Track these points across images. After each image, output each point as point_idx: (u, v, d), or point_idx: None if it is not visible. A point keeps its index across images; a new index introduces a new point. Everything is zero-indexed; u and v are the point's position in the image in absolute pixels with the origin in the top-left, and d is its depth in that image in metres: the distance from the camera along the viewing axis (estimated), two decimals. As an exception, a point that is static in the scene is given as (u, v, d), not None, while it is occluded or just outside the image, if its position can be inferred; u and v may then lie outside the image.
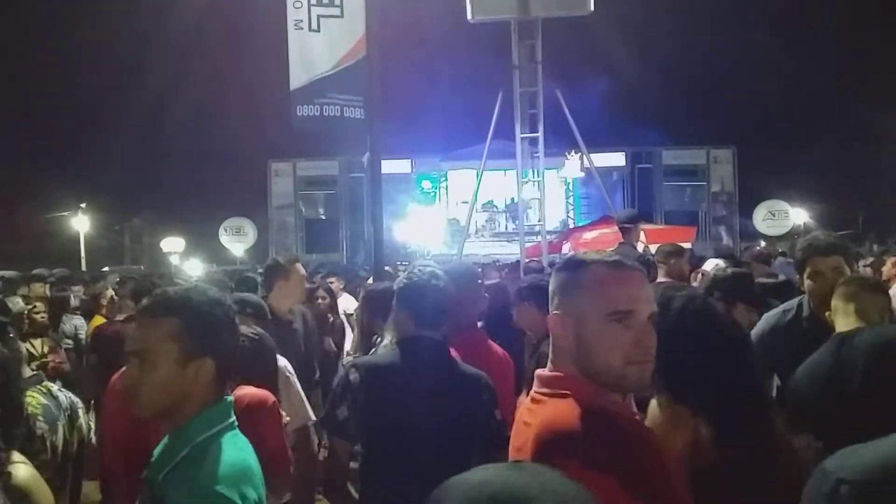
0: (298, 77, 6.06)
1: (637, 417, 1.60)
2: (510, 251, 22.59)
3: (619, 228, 6.58)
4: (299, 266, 4.64)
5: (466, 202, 27.39)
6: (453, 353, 2.98)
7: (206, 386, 1.72)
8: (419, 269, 2.98)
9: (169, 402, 1.69)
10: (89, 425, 2.72)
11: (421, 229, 29.85)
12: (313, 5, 6.01)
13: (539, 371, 1.62)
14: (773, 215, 27.75)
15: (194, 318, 1.71)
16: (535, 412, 1.55)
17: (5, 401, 2.09)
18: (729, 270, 3.69)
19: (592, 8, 13.23)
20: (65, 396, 2.78)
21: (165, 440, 1.74)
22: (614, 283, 1.53)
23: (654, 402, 1.87)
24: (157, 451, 1.75)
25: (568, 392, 1.51)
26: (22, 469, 2.03)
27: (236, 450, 1.71)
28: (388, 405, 2.75)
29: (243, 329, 2.68)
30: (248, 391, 2.76)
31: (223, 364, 1.76)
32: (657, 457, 1.48)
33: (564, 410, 1.47)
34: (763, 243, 24.00)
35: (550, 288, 1.63)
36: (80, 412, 2.79)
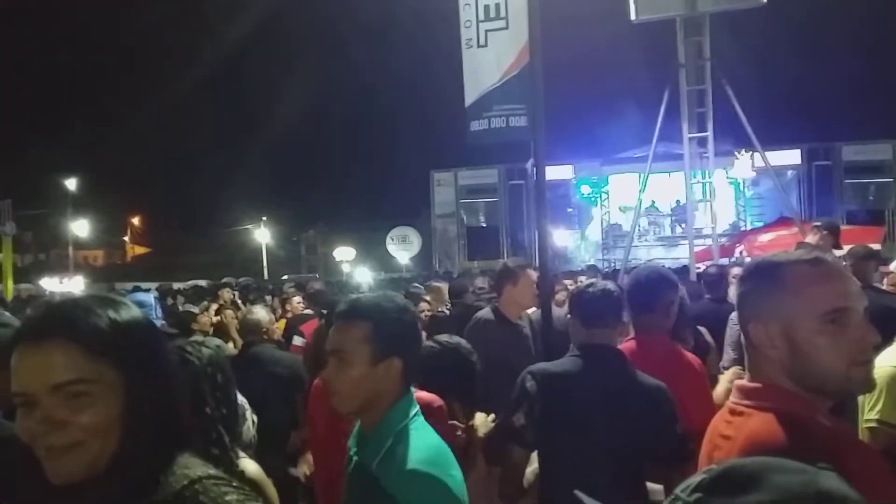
0: (471, 93, 6.26)
1: (851, 431, 1.50)
2: (676, 255, 21.84)
3: (829, 232, 5.93)
4: (530, 272, 4.61)
5: (627, 207, 26.81)
6: (630, 355, 2.95)
7: (394, 382, 1.90)
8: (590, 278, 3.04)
9: (363, 397, 1.88)
10: (254, 420, 2.92)
11: (582, 235, 29.50)
12: (481, 21, 6.18)
13: (739, 382, 1.56)
14: (970, 212, 24.90)
15: (384, 323, 1.90)
16: (738, 426, 1.48)
17: (227, 400, 2.25)
18: None
19: (765, -1, 12.56)
20: None
21: (359, 431, 1.95)
22: (822, 280, 1.44)
23: None
24: (355, 443, 1.95)
25: (775, 405, 1.44)
26: (250, 464, 2.21)
27: (431, 435, 1.90)
28: (564, 414, 2.74)
29: (442, 337, 2.87)
30: (417, 394, 2.90)
31: (408, 363, 1.93)
32: (881, 475, 1.38)
33: (773, 425, 1.40)
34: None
35: (740, 296, 1.55)
36: (248, 413, 3.02)
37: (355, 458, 1.93)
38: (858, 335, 1.41)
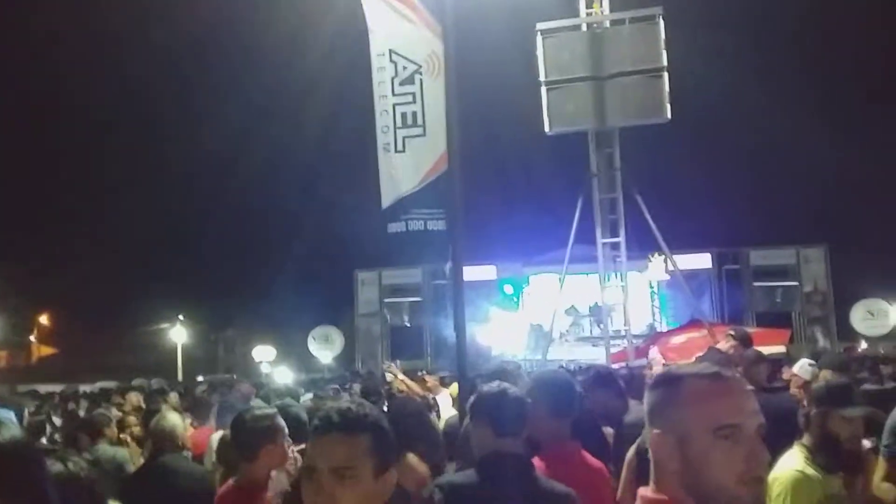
0: (388, 195, 6.40)
1: None
2: (595, 356, 22.16)
3: (740, 341, 5.94)
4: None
5: (549, 307, 27.30)
6: (540, 466, 2.94)
7: (389, 494, 1.83)
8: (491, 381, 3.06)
9: None
10: None
11: (504, 334, 29.71)
12: (399, 128, 6.40)
13: (642, 492, 1.56)
14: (873, 315, 26.26)
15: (382, 433, 1.83)
16: None
17: None
18: (823, 382, 3.50)
19: (670, 115, 13.45)
20: None
21: None
22: (716, 396, 1.46)
23: None
24: None
25: None
26: None
27: None
28: None
29: None
30: None
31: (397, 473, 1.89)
32: None
33: None
34: (865, 344, 22.79)
35: (647, 405, 1.58)
36: None
37: None
38: (749, 452, 1.42)
